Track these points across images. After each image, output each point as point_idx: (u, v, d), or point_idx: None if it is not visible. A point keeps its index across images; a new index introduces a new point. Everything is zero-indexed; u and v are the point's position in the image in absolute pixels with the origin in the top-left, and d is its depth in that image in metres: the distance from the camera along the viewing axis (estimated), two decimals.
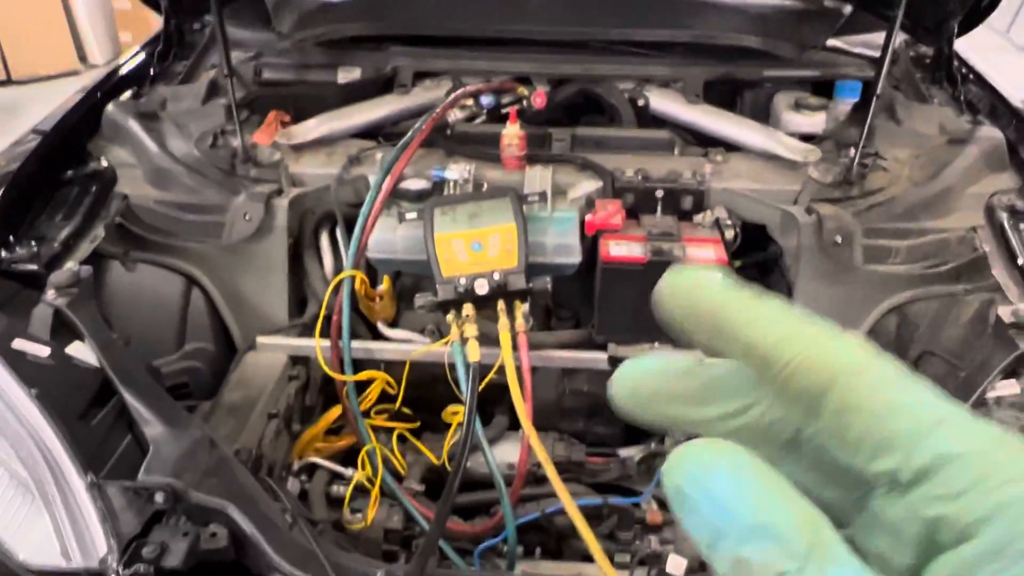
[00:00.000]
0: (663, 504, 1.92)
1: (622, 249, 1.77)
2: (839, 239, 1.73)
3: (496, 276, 1.63)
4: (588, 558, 1.85)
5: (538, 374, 1.98)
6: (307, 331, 1.88)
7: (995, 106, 2.05)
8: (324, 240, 1.94)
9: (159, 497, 1.29)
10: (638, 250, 1.77)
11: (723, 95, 2.23)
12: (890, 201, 1.79)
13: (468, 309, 1.65)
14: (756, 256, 1.98)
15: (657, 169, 1.92)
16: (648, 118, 2.15)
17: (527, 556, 1.87)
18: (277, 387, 1.80)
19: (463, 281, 1.64)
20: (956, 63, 2.19)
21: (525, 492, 1.90)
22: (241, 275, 1.86)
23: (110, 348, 1.45)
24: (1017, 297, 1.57)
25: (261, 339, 1.87)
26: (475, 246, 1.70)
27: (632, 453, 1.96)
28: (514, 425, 2.02)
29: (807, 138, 2.05)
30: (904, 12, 1.91)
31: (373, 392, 1.91)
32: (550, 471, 1.41)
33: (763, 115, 2.18)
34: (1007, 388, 1.41)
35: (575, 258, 1.80)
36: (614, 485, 1.95)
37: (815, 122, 2.06)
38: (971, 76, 2.19)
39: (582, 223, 1.82)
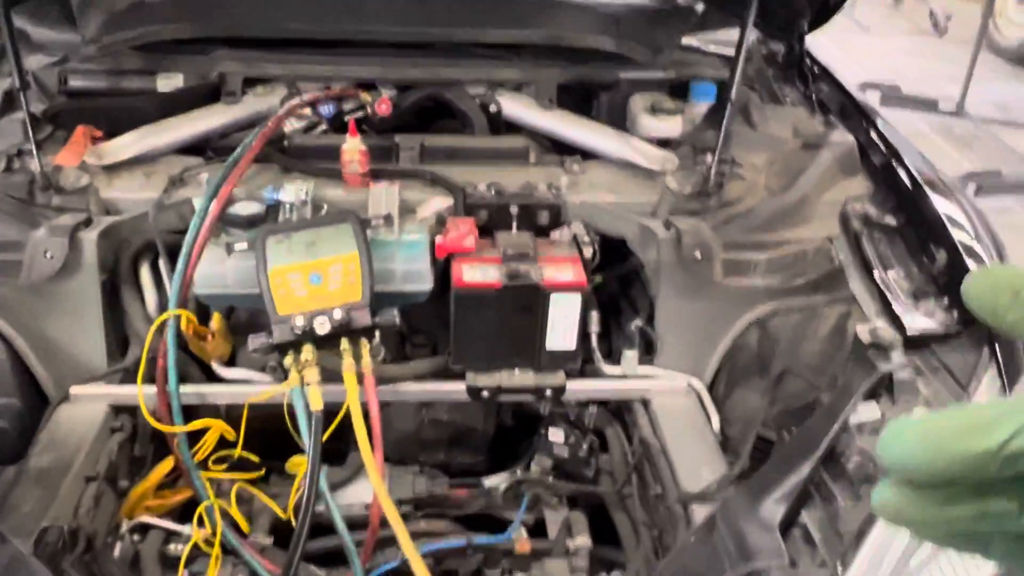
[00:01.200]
0: (532, 531, 1.84)
1: (476, 273, 1.66)
2: (699, 254, 1.67)
3: (337, 314, 1.49)
4: None
5: (394, 406, 1.85)
6: (130, 376, 1.68)
7: (844, 105, 2.04)
8: (145, 274, 1.74)
9: None
10: (493, 274, 1.65)
11: (579, 98, 2.14)
12: (748, 212, 1.74)
13: (308, 351, 1.50)
14: (617, 269, 1.90)
15: (512, 182, 1.81)
16: (501, 124, 2.04)
17: None
18: (96, 443, 1.60)
19: (300, 321, 1.48)
20: (807, 61, 2.17)
21: (386, 534, 1.78)
22: (48, 319, 1.64)
23: None
24: (874, 312, 1.55)
25: (75, 389, 1.66)
26: (314, 278, 1.54)
27: (497, 482, 1.87)
28: None
29: (665, 143, 1.99)
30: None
31: (210, 439, 1.73)
32: (394, 522, 1.30)
33: (620, 118, 2.10)
34: (868, 413, 1.38)
35: (426, 285, 1.67)
36: (482, 515, 1.85)
37: (671, 126, 1.99)
38: (820, 73, 2.17)
39: (434, 245, 1.69)
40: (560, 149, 2.00)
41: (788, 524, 1.28)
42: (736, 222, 1.74)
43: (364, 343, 1.54)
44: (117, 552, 1.60)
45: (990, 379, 1.35)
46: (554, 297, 1.66)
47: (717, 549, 1.25)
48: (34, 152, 1.66)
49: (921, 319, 1.48)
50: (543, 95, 2.00)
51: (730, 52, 2.16)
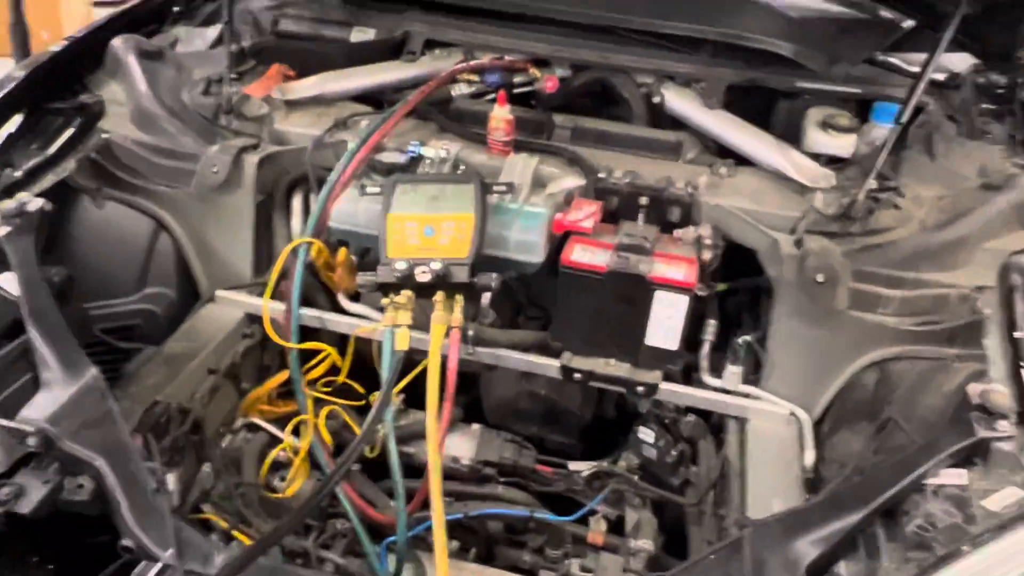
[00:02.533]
0: (613, 527, 1.82)
1: (585, 255, 1.66)
2: (821, 277, 1.56)
3: (437, 265, 1.55)
4: (516, 568, 1.78)
5: (497, 372, 1.90)
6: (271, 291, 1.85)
7: None
8: (296, 202, 1.91)
9: (31, 440, 1.29)
10: (602, 258, 1.65)
11: (758, 103, 2.05)
12: (891, 244, 1.60)
13: (405, 295, 1.58)
14: (747, 282, 1.82)
15: (652, 174, 1.79)
16: (666, 118, 2.01)
17: (461, 555, 1.81)
18: (225, 343, 1.79)
19: (402, 265, 1.56)
20: None
21: (463, 490, 1.84)
22: (209, 226, 1.85)
23: (31, 285, 1.46)
24: (1000, 374, 1.38)
25: (220, 293, 1.86)
26: (428, 230, 1.62)
27: (582, 468, 1.86)
28: (468, 418, 1.96)
29: (836, 161, 1.87)
30: (969, 34, 1.70)
31: (327, 363, 1.87)
32: (434, 476, 1.35)
33: (797, 130, 1.99)
34: (952, 478, 1.24)
35: (537, 257, 1.70)
36: (565, 498, 1.86)
37: (842, 144, 1.86)
38: None
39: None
40: (727, 154, 1.93)
41: (819, 571, 1.18)
42: (875, 252, 1.60)
43: (459, 299, 1.59)
44: (225, 443, 1.80)
45: None
46: (658, 293, 1.63)
47: (731, 571, 1.18)
48: (228, 80, 1.87)
49: None
50: (710, 93, 1.95)
51: (942, 76, 2.00)
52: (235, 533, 1.64)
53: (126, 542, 1.26)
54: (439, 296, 1.58)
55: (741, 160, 1.89)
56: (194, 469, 1.71)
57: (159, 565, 1.20)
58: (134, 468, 1.32)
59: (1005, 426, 1.27)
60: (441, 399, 1.52)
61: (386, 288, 1.60)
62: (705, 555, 1.24)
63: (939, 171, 1.76)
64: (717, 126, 1.90)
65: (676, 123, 2.01)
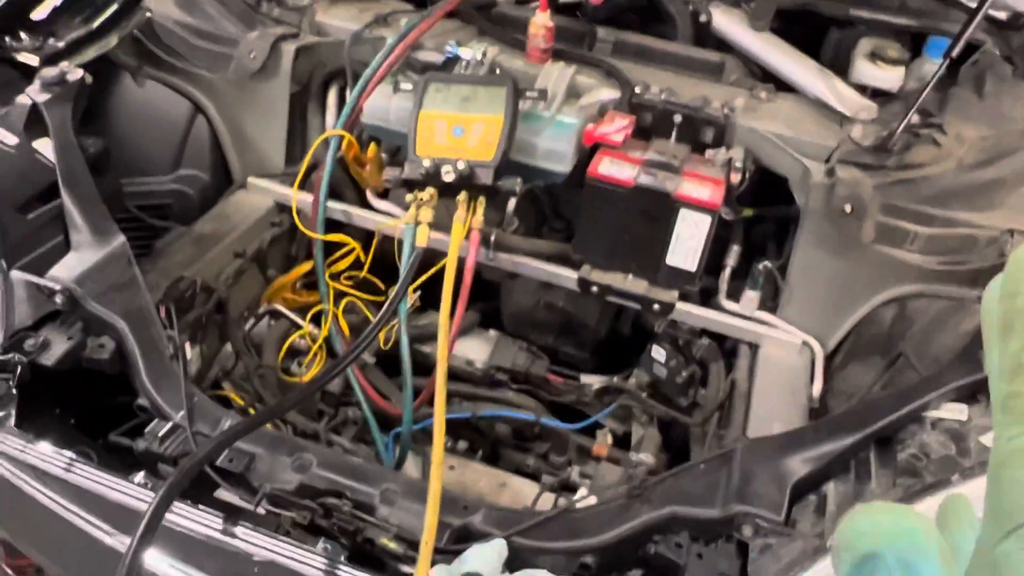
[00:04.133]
0: (619, 441, 1.85)
1: (612, 168, 1.65)
2: (848, 208, 1.54)
3: (461, 165, 1.56)
4: (521, 471, 1.83)
5: (518, 281, 1.92)
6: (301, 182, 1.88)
7: None
8: (332, 96, 1.92)
9: (58, 298, 1.34)
10: (629, 173, 1.64)
11: (809, 31, 1.99)
12: (924, 180, 1.57)
13: (429, 193, 1.59)
14: (776, 210, 1.80)
15: (689, 93, 1.76)
16: (712, 38, 1.96)
17: (468, 454, 1.87)
18: (253, 229, 1.83)
19: (427, 163, 1.57)
20: None
21: (475, 392, 1.88)
22: (245, 113, 1.87)
23: (66, 151, 1.50)
24: None
25: (252, 180, 1.90)
26: (456, 130, 1.62)
27: (593, 381, 1.89)
28: (485, 323, 1.99)
29: (882, 94, 1.82)
30: None
31: (351, 257, 1.91)
32: (440, 376, 1.38)
33: (846, 61, 1.94)
34: (952, 412, 1.24)
35: (564, 167, 1.69)
36: (570, 407, 1.90)
37: (889, 77, 1.81)
38: None
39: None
40: (771, 79, 1.89)
41: (808, 488, 1.20)
42: (907, 187, 1.57)
43: (481, 201, 1.60)
44: (248, 326, 1.85)
45: None
46: (683, 212, 1.62)
47: (719, 480, 1.20)
48: None
49: None
50: (760, 16, 1.89)
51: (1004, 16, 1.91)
52: (251, 410, 1.71)
53: (141, 401, 1.32)
54: (462, 196, 1.59)
55: (785, 87, 1.85)
56: (216, 347, 1.77)
57: (170, 424, 1.26)
58: (154, 334, 1.38)
59: None
60: (456, 298, 1.54)
61: (411, 185, 1.61)
62: (696, 463, 1.26)
63: (987, 111, 1.71)
64: (761, 49, 1.85)
65: (722, 45, 1.96)
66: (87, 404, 1.42)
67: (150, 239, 1.77)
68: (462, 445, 1.86)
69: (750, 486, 1.18)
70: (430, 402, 1.78)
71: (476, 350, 1.91)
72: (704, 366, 1.79)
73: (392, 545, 1.14)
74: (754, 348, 1.70)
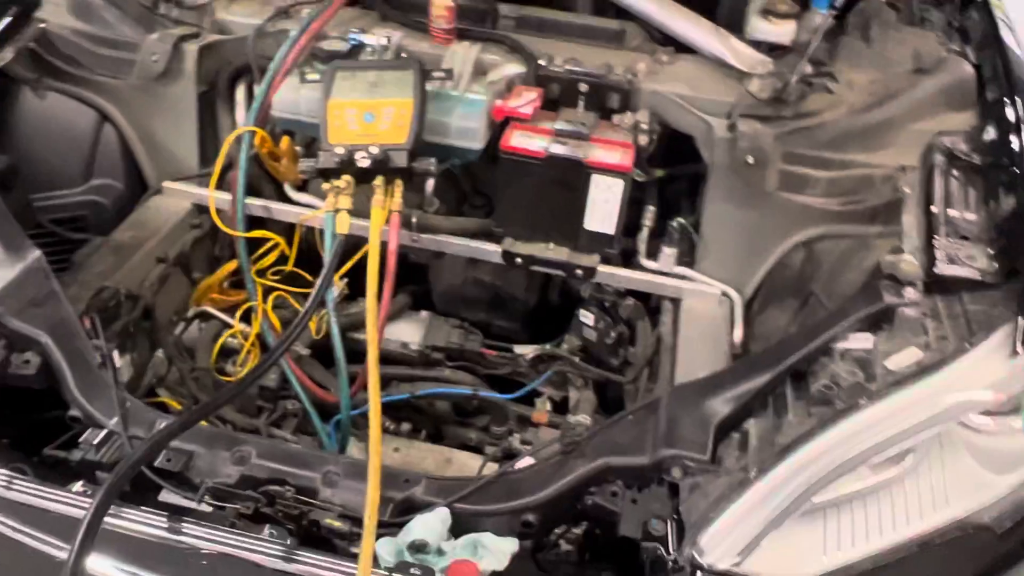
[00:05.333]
0: (558, 407, 1.90)
1: (523, 141, 1.69)
2: (751, 159, 1.61)
3: (375, 150, 1.58)
4: (464, 445, 1.87)
5: (445, 260, 1.95)
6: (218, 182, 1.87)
7: (987, 37, 1.83)
8: (240, 93, 1.91)
9: None
10: (540, 143, 1.68)
11: None
12: (820, 127, 1.64)
13: (346, 180, 1.60)
14: (686, 169, 1.86)
15: (593, 61, 1.80)
16: (611, 6, 2.00)
17: (412, 435, 1.89)
18: (173, 233, 1.82)
19: (342, 151, 1.59)
20: None
21: (412, 373, 1.91)
22: (153, 118, 1.86)
23: None
24: (913, 246, 1.44)
25: (168, 184, 1.88)
26: (367, 116, 1.64)
27: (526, 351, 1.93)
28: (416, 305, 2.01)
29: (777, 48, 1.89)
30: None
31: (276, 252, 1.91)
32: (371, 359, 1.40)
33: (742, 19, 2.00)
34: (858, 342, 1.31)
35: (477, 143, 1.72)
36: (507, 379, 1.94)
37: (781, 31, 1.87)
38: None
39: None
40: (670, 43, 1.94)
41: (731, 426, 1.26)
42: (804, 134, 1.64)
43: (399, 184, 1.62)
44: (178, 331, 1.84)
45: (1003, 335, 1.23)
46: (595, 177, 1.67)
47: (647, 429, 1.26)
48: None
49: (957, 262, 1.36)
50: None
51: None
52: None
53: (74, 413, 1.32)
54: (379, 181, 1.61)
55: (685, 49, 1.90)
56: (147, 355, 1.76)
57: (104, 432, 1.26)
58: (80, 345, 1.37)
59: (911, 293, 1.34)
60: (382, 281, 1.57)
61: (327, 174, 1.62)
62: (624, 414, 1.32)
63: (874, 56, 1.79)
64: (659, 13, 1.90)
65: (621, 12, 2.01)
66: (17, 422, 1.40)
67: (68, 252, 1.75)
68: (405, 427, 1.89)
69: (676, 430, 1.24)
70: (367, 386, 1.81)
71: (410, 332, 1.94)
72: (631, 325, 1.85)
73: (337, 524, 1.16)
74: (676, 303, 1.76)
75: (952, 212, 1.47)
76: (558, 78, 1.78)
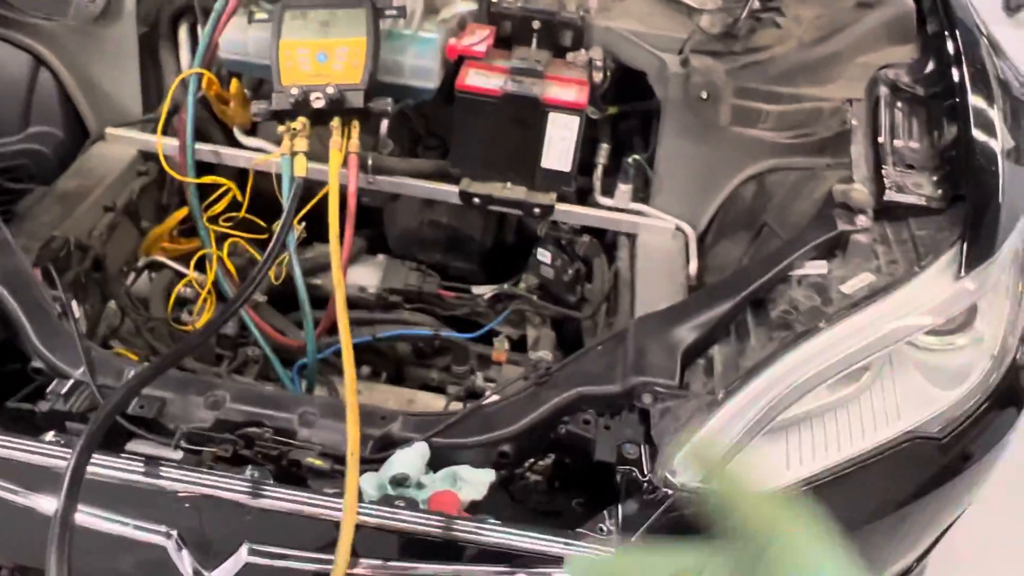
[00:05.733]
0: (516, 345, 1.93)
1: (479, 79, 1.68)
2: (704, 95, 1.63)
3: (331, 90, 1.55)
4: (426, 386, 1.88)
5: (400, 202, 1.94)
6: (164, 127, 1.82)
7: None
8: (183, 33, 1.85)
9: None
10: (496, 82, 1.68)
11: None
12: (769, 61, 1.67)
13: (301, 123, 1.58)
14: (639, 106, 1.88)
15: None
16: None
17: (373, 378, 1.90)
18: (119, 180, 1.77)
19: (296, 92, 1.56)
20: None
21: (371, 316, 1.91)
22: (92, 62, 1.79)
23: None
24: (862, 176, 1.49)
25: (110, 130, 1.83)
26: (320, 56, 1.61)
27: (484, 291, 1.95)
28: (373, 249, 2.01)
29: None
30: None
31: (227, 199, 1.88)
32: (339, 301, 1.40)
33: None
34: (814, 268, 1.37)
35: (432, 82, 1.71)
36: (465, 319, 1.96)
37: None
38: None
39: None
40: None
41: (696, 353, 1.31)
42: (755, 69, 1.67)
43: (355, 125, 1.60)
44: (129, 280, 1.81)
45: (949, 258, 1.30)
46: (552, 115, 1.67)
47: (616, 358, 1.29)
48: None
49: (904, 189, 1.42)
50: None
51: None
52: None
53: (36, 364, 1.29)
54: (335, 122, 1.59)
55: None
56: (99, 306, 1.72)
57: (71, 382, 1.24)
58: (36, 295, 1.34)
59: (862, 220, 1.39)
60: (343, 224, 1.56)
61: (281, 116, 1.59)
62: (593, 345, 1.35)
63: None
64: None
65: None
66: None
67: (10, 203, 1.69)
68: (365, 370, 1.90)
69: (645, 359, 1.28)
70: (329, 331, 1.81)
71: (367, 276, 1.93)
72: (588, 262, 1.88)
73: (319, 463, 1.17)
74: (632, 238, 1.79)
75: (898, 143, 1.53)
76: (510, 15, 1.76)
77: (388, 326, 1.87)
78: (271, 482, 1.12)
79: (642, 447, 1.20)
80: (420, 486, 1.20)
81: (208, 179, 1.78)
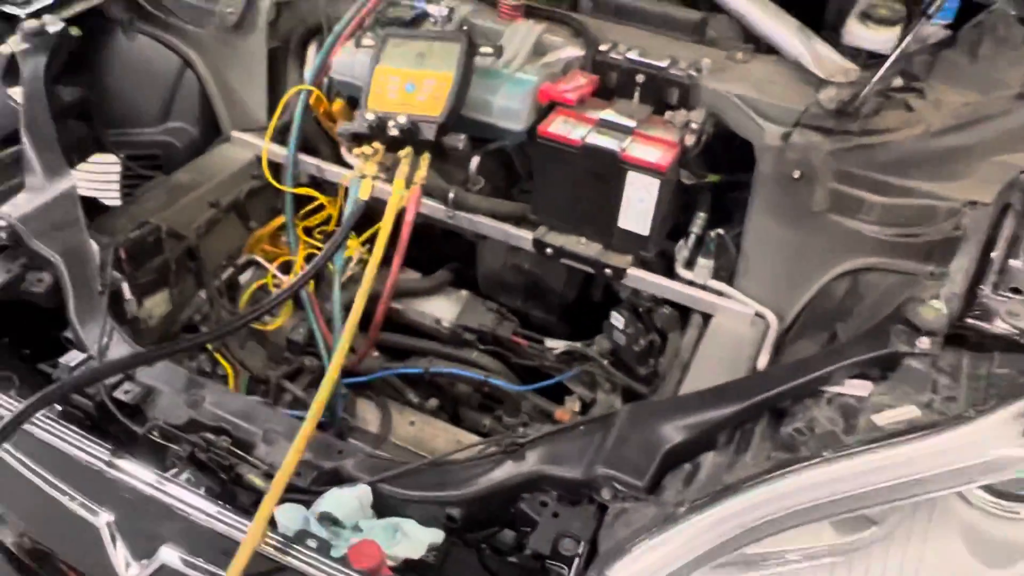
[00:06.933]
0: (588, 408, 1.84)
1: (562, 127, 1.62)
2: (797, 173, 1.46)
3: (403, 119, 1.56)
4: (480, 432, 1.84)
5: (488, 243, 1.91)
6: (281, 136, 1.92)
7: None
8: (311, 52, 1.95)
9: (2, 233, 1.43)
10: (579, 132, 1.61)
11: None
12: (883, 146, 1.47)
13: (375, 146, 1.60)
14: (740, 176, 1.72)
15: (662, 53, 1.70)
16: None
17: (435, 413, 1.89)
18: (231, 181, 1.89)
19: (373, 117, 1.58)
20: None
21: (439, 349, 1.89)
22: (229, 67, 1.93)
23: (31, 99, 1.59)
24: (954, 292, 1.25)
25: (236, 134, 1.96)
26: (408, 86, 1.63)
27: (556, 346, 1.87)
28: (457, 283, 1.99)
29: (876, 58, 1.71)
30: None
31: (325, 212, 1.95)
32: (349, 329, 1.39)
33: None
34: (854, 388, 1.17)
35: (520, 124, 1.67)
36: (539, 371, 1.88)
37: (881, 39, 1.68)
38: None
39: None
40: (757, 40, 1.80)
41: (684, 456, 1.16)
42: (865, 152, 1.47)
43: (426, 157, 1.60)
44: (226, 275, 1.92)
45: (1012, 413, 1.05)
46: (631, 175, 1.58)
47: (593, 443, 1.18)
48: None
49: (993, 317, 1.18)
50: None
51: None
52: (217, 355, 1.78)
53: (67, 334, 1.40)
54: (406, 152, 1.60)
55: (771, 50, 1.75)
56: (191, 293, 1.85)
57: (83, 356, 1.33)
58: (89, 272, 1.45)
59: (924, 343, 1.17)
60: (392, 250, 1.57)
61: (360, 139, 1.63)
62: (578, 423, 1.24)
63: (977, 75, 1.58)
64: (741, 6, 1.76)
65: (713, 6, 1.88)
66: (33, 335, 1.51)
67: (134, 187, 1.86)
68: (432, 403, 1.88)
69: (621, 450, 1.15)
70: (398, 357, 1.84)
71: (445, 309, 1.92)
72: (664, 335, 1.74)
73: (258, 482, 1.17)
74: (707, 318, 1.64)
75: (1014, 262, 1.28)
76: (616, 66, 1.69)
77: (450, 363, 1.84)
78: (202, 492, 1.12)
79: (581, 545, 1.08)
80: (358, 530, 1.16)
81: (302, 191, 1.86)
